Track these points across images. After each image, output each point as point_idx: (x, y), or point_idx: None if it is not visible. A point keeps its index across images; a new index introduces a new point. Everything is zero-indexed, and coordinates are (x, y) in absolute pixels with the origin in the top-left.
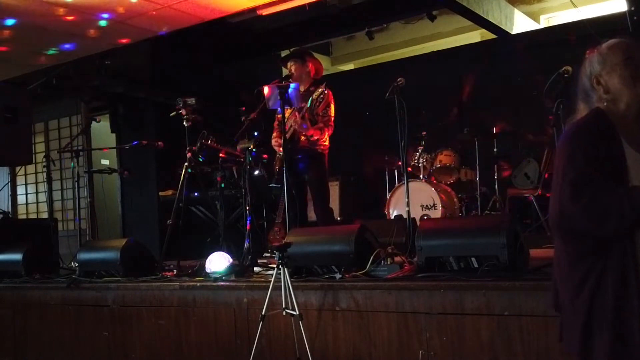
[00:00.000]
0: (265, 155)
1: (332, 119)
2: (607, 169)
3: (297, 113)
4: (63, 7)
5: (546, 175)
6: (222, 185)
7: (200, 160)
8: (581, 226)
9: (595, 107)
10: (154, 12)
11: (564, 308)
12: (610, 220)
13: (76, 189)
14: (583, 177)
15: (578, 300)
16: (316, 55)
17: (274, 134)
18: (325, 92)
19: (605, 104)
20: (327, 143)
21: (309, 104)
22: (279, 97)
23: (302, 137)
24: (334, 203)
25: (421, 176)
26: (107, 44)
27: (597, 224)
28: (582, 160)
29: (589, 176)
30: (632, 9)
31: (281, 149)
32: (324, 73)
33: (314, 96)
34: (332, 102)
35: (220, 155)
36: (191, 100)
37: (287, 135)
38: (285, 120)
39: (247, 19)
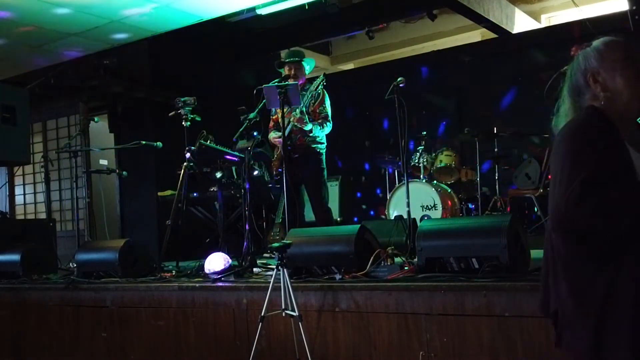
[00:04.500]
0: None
1: (329, 115)
2: (616, 168)
3: (289, 115)
4: (61, 6)
5: (549, 177)
6: (223, 181)
7: (200, 160)
8: (590, 226)
9: (589, 105)
10: (153, 11)
11: (564, 313)
12: (624, 218)
13: (74, 189)
14: (594, 176)
15: (585, 305)
16: (316, 54)
17: (270, 133)
18: (319, 91)
19: (602, 102)
20: (324, 142)
21: (305, 101)
22: (278, 97)
23: (300, 137)
24: (334, 203)
25: (421, 176)
26: (105, 44)
27: (606, 224)
28: (591, 159)
29: (600, 175)
30: (634, 8)
31: (279, 140)
32: (322, 72)
33: (309, 94)
34: (327, 99)
35: (219, 155)
36: (190, 100)
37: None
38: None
39: (247, 18)
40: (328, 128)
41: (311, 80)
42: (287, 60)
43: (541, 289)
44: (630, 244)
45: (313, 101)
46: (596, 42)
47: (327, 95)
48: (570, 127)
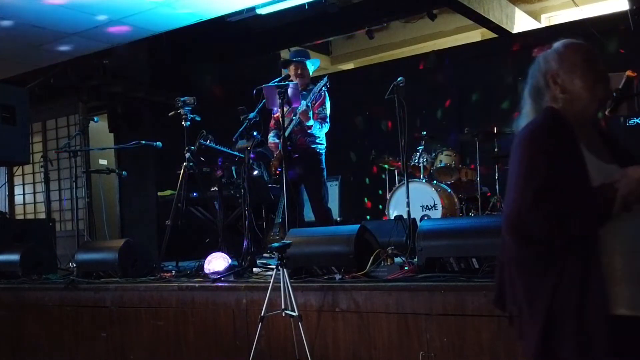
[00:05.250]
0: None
1: (328, 117)
2: (569, 172)
3: (291, 114)
4: (59, 5)
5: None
6: (223, 180)
7: (200, 160)
8: (542, 232)
9: (548, 106)
10: (151, 11)
11: (520, 311)
12: (571, 225)
13: (74, 189)
14: (546, 183)
15: (536, 303)
16: (316, 54)
17: (270, 134)
18: (322, 93)
19: (560, 104)
20: (324, 142)
21: (307, 101)
22: (278, 97)
23: (300, 137)
24: (334, 203)
25: (421, 176)
26: (104, 44)
27: (557, 230)
28: (545, 164)
29: (552, 181)
30: (634, 7)
31: (275, 145)
32: (323, 72)
33: (312, 95)
34: (328, 101)
35: (219, 155)
36: (190, 100)
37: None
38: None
39: (246, 18)
40: (326, 128)
41: (314, 80)
42: (295, 59)
43: (496, 284)
44: (574, 246)
45: (314, 102)
46: (557, 44)
47: (327, 97)
48: (527, 130)
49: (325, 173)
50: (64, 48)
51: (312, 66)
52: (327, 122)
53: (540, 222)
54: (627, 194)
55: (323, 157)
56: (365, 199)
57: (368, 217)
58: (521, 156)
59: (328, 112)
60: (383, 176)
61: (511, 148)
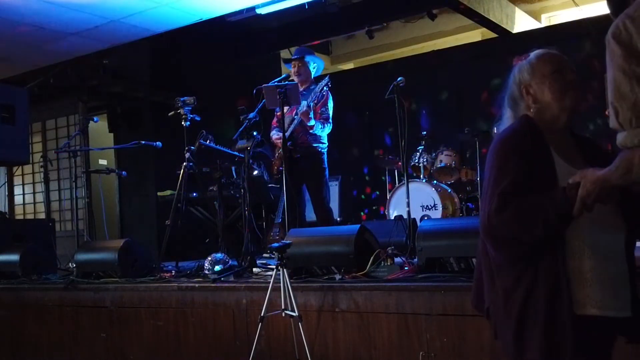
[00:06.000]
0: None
1: (330, 117)
2: (538, 176)
3: (293, 112)
4: (59, 5)
5: None
6: (223, 181)
7: (199, 160)
8: (508, 235)
9: (523, 114)
10: (151, 11)
11: (495, 310)
12: (536, 226)
13: (74, 189)
14: (513, 187)
15: (511, 304)
16: (316, 54)
17: (273, 131)
18: (324, 93)
19: (534, 112)
20: (326, 142)
21: (309, 100)
22: (278, 97)
23: (302, 136)
24: (334, 203)
25: (421, 176)
26: (104, 43)
27: (522, 232)
28: (514, 169)
29: (519, 186)
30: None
31: (281, 143)
32: (323, 72)
33: (314, 94)
34: (330, 101)
35: (218, 155)
36: (190, 100)
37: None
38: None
39: (246, 18)
40: (328, 129)
41: (318, 80)
42: (294, 56)
43: (474, 286)
44: (543, 248)
45: (316, 101)
46: (531, 55)
47: (330, 97)
48: (502, 136)
49: (327, 173)
50: (64, 48)
51: (313, 64)
52: (329, 122)
53: (505, 224)
54: (584, 195)
55: (325, 157)
56: (363, 197)
57: (362, 215)
58: (494, 161)
59: (331, 112)
60: (383, 178)
61: (488, 152)
